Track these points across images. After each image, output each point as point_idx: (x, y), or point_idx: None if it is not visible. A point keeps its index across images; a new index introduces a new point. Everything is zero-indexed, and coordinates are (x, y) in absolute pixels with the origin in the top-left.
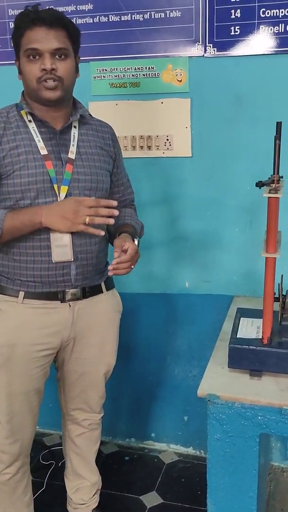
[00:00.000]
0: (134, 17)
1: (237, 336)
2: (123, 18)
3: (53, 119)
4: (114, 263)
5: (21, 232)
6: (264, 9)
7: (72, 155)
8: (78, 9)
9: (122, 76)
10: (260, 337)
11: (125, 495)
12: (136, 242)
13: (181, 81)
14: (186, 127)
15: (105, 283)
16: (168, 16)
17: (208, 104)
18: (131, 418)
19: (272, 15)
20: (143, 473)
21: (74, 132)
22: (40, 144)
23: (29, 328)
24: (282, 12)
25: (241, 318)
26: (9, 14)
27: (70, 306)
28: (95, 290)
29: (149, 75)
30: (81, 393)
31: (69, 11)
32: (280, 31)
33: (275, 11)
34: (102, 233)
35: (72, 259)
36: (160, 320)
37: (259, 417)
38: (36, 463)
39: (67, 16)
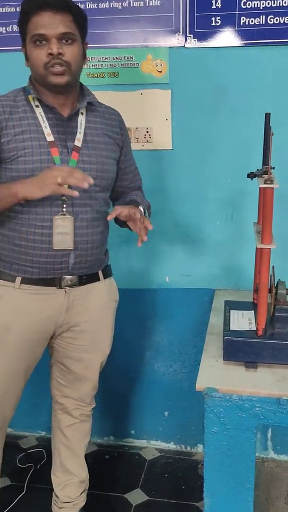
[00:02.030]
0: (113, 5)
1: (231, 329)
2: (101, 5)
3: (60, 106)
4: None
5: (1, 206)
6: (245, 1)
7: (78, 143)
8: None
9: (100, 66)
10: (253, 329)
11: (109, 494)
12: (141, 208)
13: (161, 72)
14: (167, 119)
15: (102, 271)
16: (147, 4)
17: (189, 96)
18: (110, 416)
19: (253, 6)
20: (125, 471)
21: (81, 119)
22: (47, 130)
23: (25, 313)
24: (263, 3)
25: (231, 311)
26: None
27: (66, 292)
28: (92, 278)
29: (128, 65)
30: (74, 381)
31: None
32: (261, 22)
33: (256, 2)
34: (76, 193)
35: (72, 248)
36: (139, 315)
37: (257, 408)
38: (13, 467)
39: None
